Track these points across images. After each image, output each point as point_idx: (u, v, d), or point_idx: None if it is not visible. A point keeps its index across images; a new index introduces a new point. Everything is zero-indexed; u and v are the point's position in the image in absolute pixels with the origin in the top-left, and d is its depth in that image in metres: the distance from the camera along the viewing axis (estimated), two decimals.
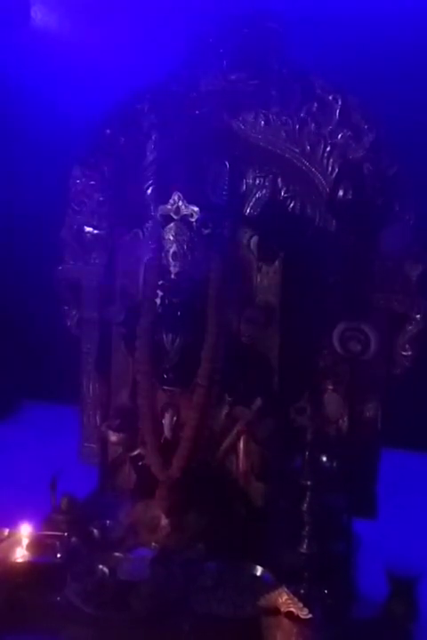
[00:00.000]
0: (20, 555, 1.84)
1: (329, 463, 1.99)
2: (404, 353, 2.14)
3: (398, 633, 1.76)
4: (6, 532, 1.94)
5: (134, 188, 2.33)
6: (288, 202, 2.22)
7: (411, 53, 2.69)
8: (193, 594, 1.73)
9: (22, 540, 1.87)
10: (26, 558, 1.84)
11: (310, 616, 1.60)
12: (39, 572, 1.79)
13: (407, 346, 2.14)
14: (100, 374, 2.30)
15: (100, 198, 2.35)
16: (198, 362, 1.96)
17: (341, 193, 2.12)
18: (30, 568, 1.80)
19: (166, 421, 2.02)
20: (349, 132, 2.13)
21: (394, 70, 2.66)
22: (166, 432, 2.02)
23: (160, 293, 2.03)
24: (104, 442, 2.20)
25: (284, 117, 2.20)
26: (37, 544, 1.87)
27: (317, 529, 1.79)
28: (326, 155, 2.15)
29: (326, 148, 2.15)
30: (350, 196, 2.12)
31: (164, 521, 1.93)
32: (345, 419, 2.11)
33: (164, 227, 1.99)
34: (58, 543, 1.87)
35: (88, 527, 1.95)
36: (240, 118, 2.24)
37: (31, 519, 1.93)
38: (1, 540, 1.90)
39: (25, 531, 1.89)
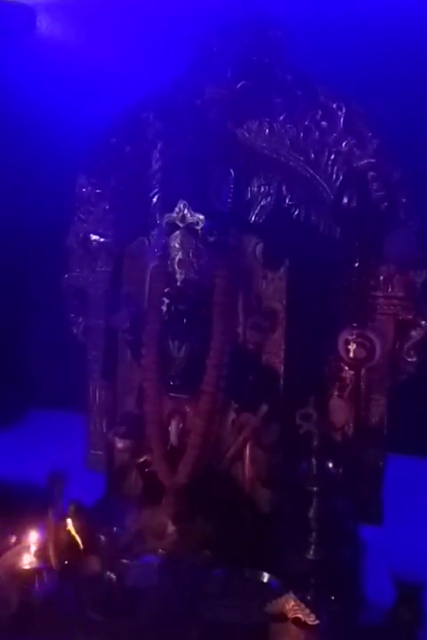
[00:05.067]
0: (28, 561, 1.85)
1: (335, 469, 1.99)
2: (409, 359, 2.14)
3: (404, 638, 1.76)
4: (13, 539, 1.94)
5: (140, 197, 2.35)
6: (293, 209, 2.23)
7: (415, 61, 2.69)
8: (200, 600, 1.73)
9: (30, 548, 1.88)
10: (33, 565, 1.84)
11: (317, 622, 1.60)
12: (45, 578, 1.79)
13: (412, 352, 2.14)
14: (106, 381, 2.31)
15: (106, 206, 2.36)
16: (204, 369, 1.97)
17: (345, 200, 2.13)
18: (38, 575, 1.80)
19: (173, 428, 2.03)
20: (353, 140, 2.14)
21: (398, 78, 2.66)
22: (173, 439, 2.03)
23: (166, 301, 2.04)
24: (111, 449, 2.20)
25: (288, 125, 2.21)
26: (45, 551, 1.87)
27: (323, 535, 1.79)
28: (330, 162, 2.16)
29: (330, 155, 2.16)
30: (354, 203, 2.13)
31: (170, 527, 1.94)
32: (351, 425, 2.11)
33: (169, 234, 2.00)
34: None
35: (95, 534, 1.96)
36: (245, 126, 2.26)
37: (38, 526, 1.93)
38: (8, 547, 1.91)
39: (32, 538, 1.90)
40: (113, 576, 1.78)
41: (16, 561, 1.84)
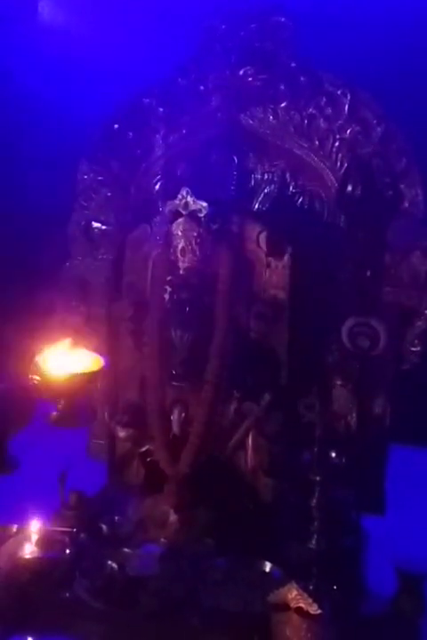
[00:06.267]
0: (29, 551, 1.85)
1: (338, 459, 1.98)
2: (413, 348, 2.14)
3: (406, 628, 1.76)
4: (15, 528, 1.94)
5: (142, 184, 2.33)
6: (297, 197, 2.21)
7: (421, 48, 2.67)
8: (202, 589, 1.73)
9: (31, 536, 1.88)
10: (35, 554, 1.84)
11: (319, 611, 1.60)
12: (48, 567, 1.79)
13: (416, 341, 2.13)
14: (108, 370, 2.30)
15: (108, 194, 2.34)
16: (207, 358, 1.96)
17: (350, 188, 2.12)
18: (39, 564, 1.80)
19: (175, 417, 2.02)
20: (358, 127, 2.12)
21: (403, 64, 2.64)
22: (175, 428, 2.02)
23: (168, 289, 2.02)
24: (113, 438, 2.20)
25: (292, 112, 2.19)
26: (46, 540, 1.87)
27: (325, 524, 1.78)
28: (334, 149, 2.15)
29: (334, 142, 2.15)
30: (358, 191, 2.11)
31: (172, 516, 1.94)
32: (354, 414, 2.10)
33: (172, 222, 1.99)
34: (67, 539, 1.87)
35: (97, 523, 1.95)
36: (248, 113, 2.24)
37: (40, 515, 1.93)
38: (10, 537, 1.91)
39: (34, 527, 1.89)
40: (114, 565, 1.78)
41: (17, 550, 1.84)
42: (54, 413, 1.99)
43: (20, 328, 2.38)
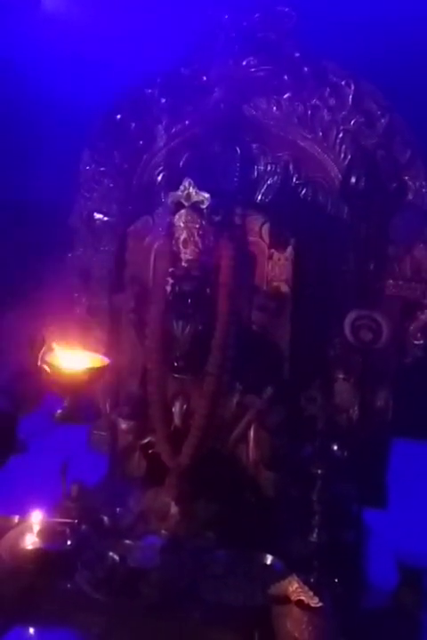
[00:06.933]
0: (31, 542, 1.85)
1: (339, 452, 1.98)
2: (415, 341, 2.13)
3: (407, 622, 1.76)
4: (16, 519, 1.94)
5: (144, 174, 2.32)
6: (300, 188, 2.21)
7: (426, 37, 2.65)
8: (203, 582, 1.73)
9: (33, 527, 1.88)
10: (36, 545, 1.84)
11: (320, 604, 1.60)
12: (49, 559, 1.79)
13: (419, 334, 2.13)
14: (110, 362, 2.30)
15: (110, 184, 2.34)
16: (209, 350, 1.95)
17: (353, 179, 2.11)
18: (41, 555, 1.80)
19: (176, 409, 2.02)
20: (362, 118, 2.11)
21: (408, 55, 2.62)
22: (176, 420, 2.02)
23: (171, 281, 2.01)
24: (114, 429, 2.19)
25: (296, 103, 2.18)
26: (48, 531, 1.87)
27: (327, 518, 1.78)
28: (338, 141, 2.14)
29: (338, 134, 2.14)
30: (362, 183, 2.10)
31: (174, 508, 1.93)
32: (356, 408, 2.10)
33: (174, 213, 1.98)
34: (68, 530, 1.87)
35: (98, 514, 1.96)
36: (252, 104, 2.23)
37: (42, 506, 1.93)
38: (11, 527, 1.91)
39: (35, 518, 1.90)
40: (116, 556, 1.78)
41: (19, 541, 1.84)
42: (59, 411, 2.00)
43: (28, 314, 2.39)
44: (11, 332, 2.52)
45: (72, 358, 1.95)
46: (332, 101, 2.14)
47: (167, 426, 2.01)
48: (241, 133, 2.24)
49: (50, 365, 1.89)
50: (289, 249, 2.04)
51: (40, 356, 1.92)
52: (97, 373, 1.96)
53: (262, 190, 2.24)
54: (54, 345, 1.92)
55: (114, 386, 2.25)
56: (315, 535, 1.78)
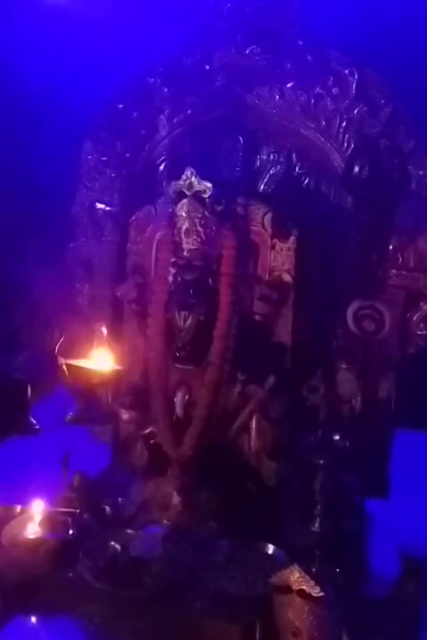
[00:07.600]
0: (33, 531, 1.85)
1: (342, 442, 1.97)
2: (418, 332, 2.13)
3: (409, 612, 1.76)
4: (19, 508, 1.95)
5: (147, 164, 2.31)
6: (303, 178, 2.20)
7: None
8: (205, 571, 1.73)
9: (35, 517, 1.88)
10: (38, 535, 1.84)
11: (321, 594, 1.59)
12: (51, 548, 1.80)
13: (422, 324, 2.12)
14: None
15: (112, 174, 2.33)
16: (211, 340, 1.95)
17: (356, 169, 2.09)
18: (42, 545, 1.81)
19: (178, 399, 2.01)
20: (365, 107, 2.10)
21: (413, 44, 2.60)
22: (178, 410, 2.01)
23: (172, 270, 2.01)
24: (116, 419, 2.20)
25: (299, 92, 2.17)
26: (50, 521, 1.88)
27: (329, 508, 1.78)
28: (341, 130, 2.13)
29: (341, 123, 2.12)
30: (365, 172, 2.09)
31: (175, 499, 1.94)
32: (358, 398, 2.10)
33: (176, 203, 1.97)
34: (70, 520, 1.87)
35: (100, 504, 1.96)
36: (254, 92, 2.22)
37: (44, 496, 1.93)
38: (13, 517, 1.91)
39: (37, 507, 1.90)
40: (118, 546, 1.79)
41: (21, 530, 1.85)
42: (71, 414, 2.02)
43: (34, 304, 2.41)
44: (23, 321, 2.54)
45: (89, 362, 1.96)
46: (335, 90, 2.12)
47: (169, 416, 2.01)
48: (244, 123, 2.23)
49: (68, 366, 1.89)
50: (292, 239, 2.03)
51: (56, 349, 1.93)
52: (113, 377, 1.96)
53: (265, 180, 2.23)
54: (68, 342, 1.94)
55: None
56: (317, 525, 1.78)
